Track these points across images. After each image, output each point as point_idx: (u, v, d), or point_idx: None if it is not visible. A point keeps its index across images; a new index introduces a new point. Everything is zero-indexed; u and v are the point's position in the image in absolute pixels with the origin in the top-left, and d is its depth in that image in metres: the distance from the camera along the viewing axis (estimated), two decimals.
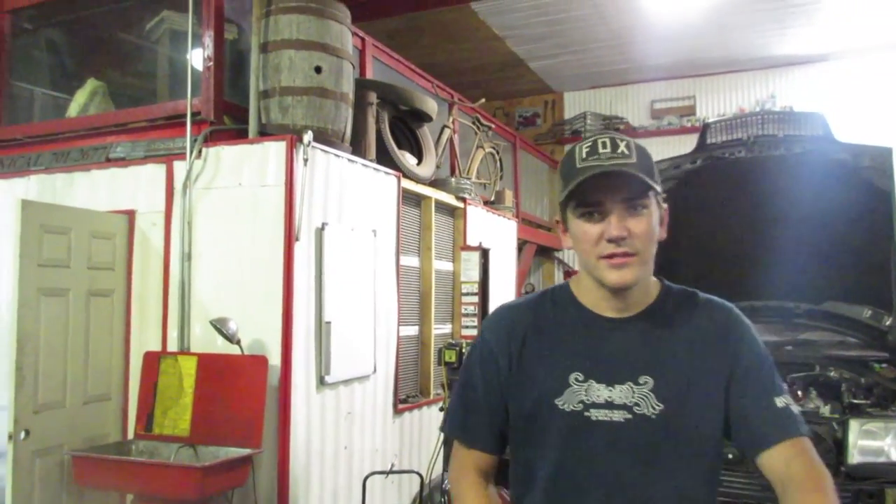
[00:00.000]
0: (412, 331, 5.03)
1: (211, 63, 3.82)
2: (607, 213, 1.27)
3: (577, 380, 1.32)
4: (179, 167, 3.81)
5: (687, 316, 1.36)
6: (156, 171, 3.90)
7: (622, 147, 1.28)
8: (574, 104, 9.80)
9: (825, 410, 3.56)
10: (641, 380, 1.30)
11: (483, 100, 6.45)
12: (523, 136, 9.10)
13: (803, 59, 8.31)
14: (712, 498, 1.35)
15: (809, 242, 4.10)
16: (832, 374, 3.99)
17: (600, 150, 1.27)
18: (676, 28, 7.43)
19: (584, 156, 1.28)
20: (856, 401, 3.67)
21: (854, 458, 3.31)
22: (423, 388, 5.08)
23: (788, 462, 1.25)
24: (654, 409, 1.28)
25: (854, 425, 3.33)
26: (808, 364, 4.14)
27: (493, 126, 6.97)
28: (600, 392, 1.30)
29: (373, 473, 3.75)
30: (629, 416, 1.28)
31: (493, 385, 1.41)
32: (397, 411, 4.59)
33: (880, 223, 4.02)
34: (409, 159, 4.94)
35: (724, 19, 7.26)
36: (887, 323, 4.09)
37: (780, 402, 1.30)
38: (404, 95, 4.88)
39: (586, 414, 1.30)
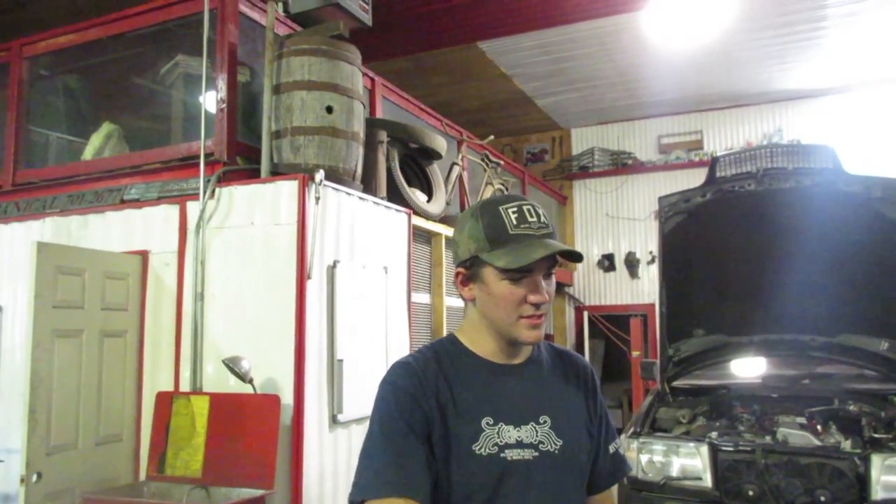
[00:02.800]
0: None
1: (224, 105, 3.88)
2: (533, 279, 1.38)
3: (488, 423, 1.38)
4: (192, 207, 3.85)
5: (559, 363, 1.54)
6: (169, 212, 3.93)
7: (542, 216, 1.41)
8: (581, 140, 9.87)
9: (846, 445, 3.51)
10: (542, 419, 1.42)
11: (492, 136, 6.51)
12: (531, 172, 9.15)
13: (809, 92, 8.36)
14: None
15: (822, 275, 4.09)
16: (851, 407, 3.95)
17: (529, 219, 1.38)
18: (682, 64, 7.51)
19: (514, 222, 1.38)
20: (877, 435, 3.62)
21: (878, 493, 3.25)
22: None
23: (608, 500, 1.59)
24: (555, 444, 1.42)
25: (877, 460, 3.28)
26: (827, 398, 4.10)
27: (501, 163, 7.02)
28: (510, 433, 1.39)
29: None
30: (536, 453, 1.39)
31: (422, 430, 1.35)
32: None
33: (893, 254, 4.01)
34: (419, 196, 4.98)
35: (728, 55, 7.33)
36: None
37: (613, 447, 1.58)
38: (414, 133, 4.93)
39: (502, 455, 1.37)
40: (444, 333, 5.13)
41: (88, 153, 4.44)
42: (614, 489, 1.62)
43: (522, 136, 10.19)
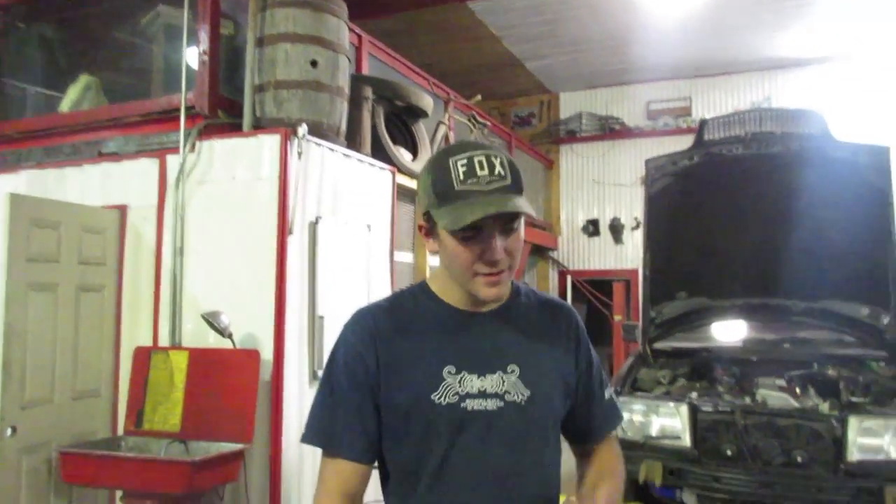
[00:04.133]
0: None
1: (206, 57, 3.79)
2: (485, 236, 1.28)
3: (449, 372, 1.33)
4: (173, 161, 3.77)
5: (537, 311, 1.45)
6: (148, 166, 3.85)
7: (498, 167, 1.28)
8: (570, 105, 9.78)
9: (824, 408, 3.54)
10: (509, 368, 1.36)
11: (479, 97, 6.42)
12: (519, 135, 9.07)
13: (799, 61, 8.30)
14: (559, 475, 1.47)
15: (807, 240, 4.09)
16: (830, 371, 3.98)
17: (478, 172, 1.26)
18: (673, 29, 7.41)
19: (461, 176, 1.26)
20: (854, 398, 3.66)
21: (853, 455, 3.29)
22: None
23: (609, 448, 1.53)
24: (522, 395, 1.35)
25: (854, 423, 3.31)
26: (806, 362, 4.13)
27: (488, 124, 6.94)
28: (473, 382, 1.33)
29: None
30: (501, 404, 1.34)
31: (363, 387, 1.34)
32: None
33: (878, 221, 4.01)
34: (404, 155, 4.91)
35: (721, 20, 7.24)
36: (885, 321, 4.08)
37: (608, 393, 1.52)
38: (400, 91, 4.85)
39: (462, 405, 1.32)
40: None
41: (66, 105, 4.34)
42: (615, 441, 1.55)
43: (510, 99, 10.08)
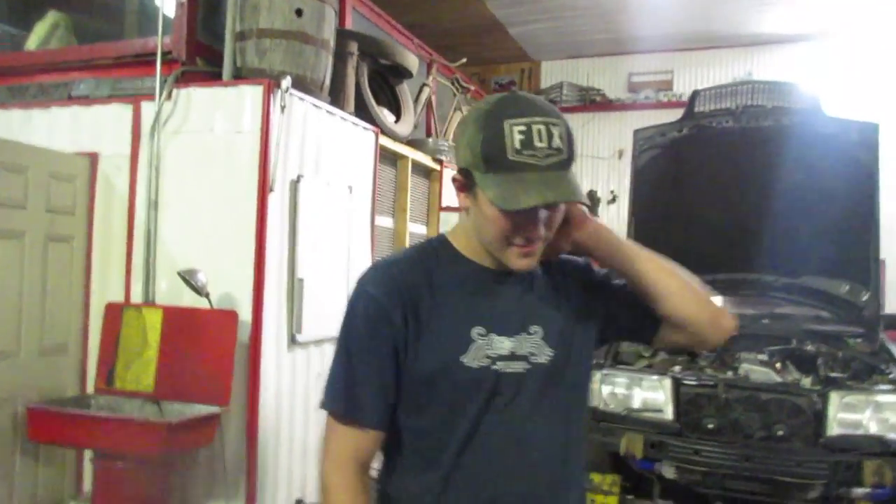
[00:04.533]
0: None
1: (185, 0, 3.58)
2: (529, 213, 1.20)
3: (479, 334, 1.26)
4: (147, 108, 3.57)
5: (547, 268, 1.37)
6: (122, 112, 3.65)
7: (556, 139, 1.17)
8: (551, 74, 9.65)
9: (806, 382, 3.56)
10: (532, 329, 1.30)
11: (464, 60, 6.27)
12: None
13: (782, 37, 8.28)
14: (584, 439, 1.42)
15: (792, 216, 4.08)
16: (809, 347, 4.00)
17: (536, 144, 1.16)
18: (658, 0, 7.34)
19: (516, 145, 1.15)
20: (833, 374, 3.68)
21: (833, 430, 3.31)
22: None
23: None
24: (547, 356, 1.30)
25: (834, 398, 3.33)
26: (785, 337, 4.15)
27: (472, 88, 6.81)
28: (503, 344, 1.27)
29: None
30: (528, 366, 1.28)
31: (385, 347, 1.25)
32: None
33: (863, 199, 4.01)
34: (387, 116, 4.77)
35: None
36: (864, 298, 4.10)
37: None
38: (386, 49, 4.69)
39: (493, 367, 1.26)
40: None
41: (32, 43, 4.09)
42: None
43: (491, 65, 9.90)
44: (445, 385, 1.25)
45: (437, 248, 1.35)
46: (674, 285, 1.34)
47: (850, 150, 4.00)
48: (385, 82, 5.00)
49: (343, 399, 1.28)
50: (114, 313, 3.44)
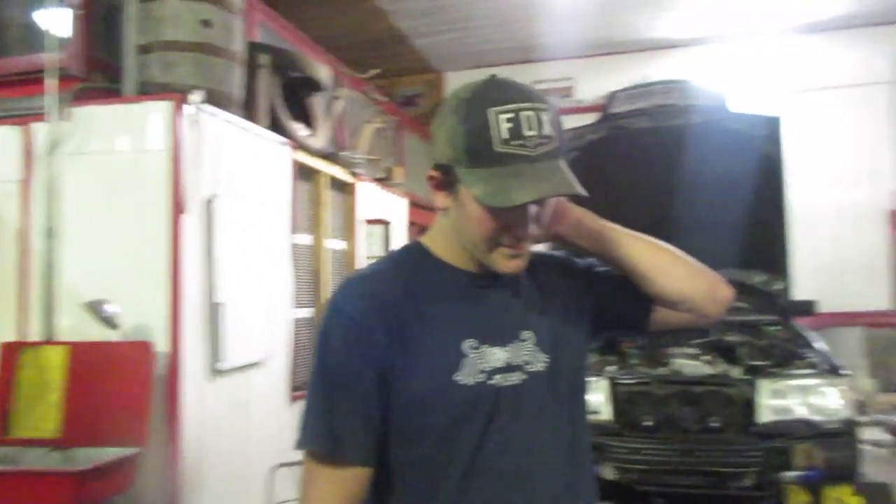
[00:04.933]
0: (306, 313, 4.71)
1: (81, 11, 3.32)
2: (519, 210, 1.10)
3: (471, 347, 1.14)
4: (40, 130, 3.29)
5: (532, 268, 1.24)
6: (9, 134, 3.35)
7: (547, 126, 1.07)
8: (456, 85, 9.61)
9: (735, 373, 3.65)
10: (524, 335, 1.20)
11: (378, 70, 6.18)
12: (406, 115, 8.89)
13: (676, 42, 8.61)
14: (590, 443, 1.31)
15: (708, 210, 4.19)
16: (729, 338, 4.11)
17: (525, 132, 1.05)
18: (559, 7, 7.48)
19: (503, 135, 1.05)
20: (755, 362, 3.79)
21: (764, 417, 3.40)
22: None
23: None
24: (543, 363, 1.19)
25: (763, 386, 3.43)
26: (704, 330, 4.25)
27: (381, 99, 6.72)
28: (497, 355, 1.15)
29: (282, 465, 3.44)
30: (525, 376, 1.17)
31: (368, 372, 1.11)
32: (293, 399, 4.29)
33: (771, 190, 4.19)
34: (301, 130, 4.61)
35: (606, 1, 7.38)
36: (778, 287, 4.27)
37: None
38: (297, 61, 4.53)
39: (490, 382, 1.14)
40: (328, 278, 4.86)
41: None
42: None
43: (396, 77, 9.86)
44: (440, 409, 1.12)
45: (413, 256, 1.23)
46: (664, 262, 1.26)
47: (756, 143, 4.18)
48: (297, 96, 4.84)
49: (323, 435, 1.12)
50: (9, 354, 3.13)
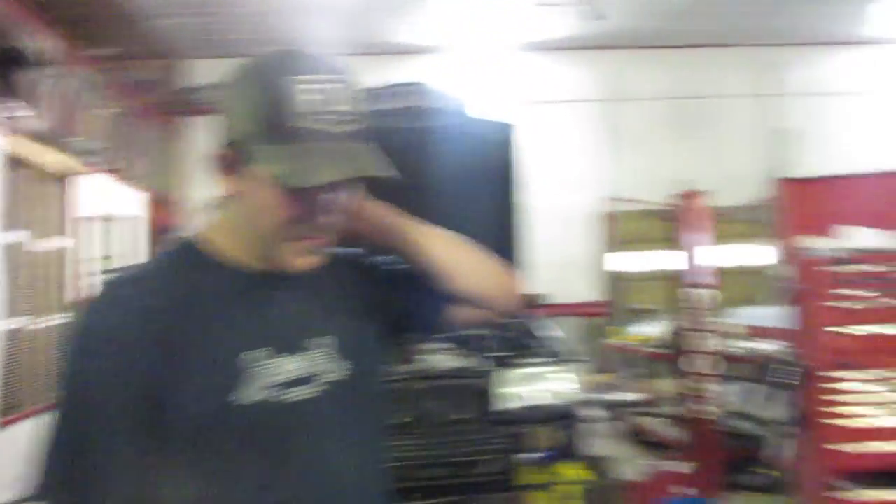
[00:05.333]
0: (16, 324, 4.12)
1: None
2: (322, 191, 0.99)
3: (254, 360, 1.00)
4: None
5: (330, 267, 1.14)
6: None
7: (351, 102, 0.99)
8: (194, 73, 9.11)
9: (473, 364, 3.89)
10: (321, 341, 1.08)
11: (119, 49, 5.58)
12: (142, 100, 8.16)
13: (420, 48, 8.90)
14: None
15: (457, 211, 4.36)
16: (478, 331, 4.34)
17: (331, 107, 0.96)
18: (312, 4, 7.40)
19: (308, 108, 0.94)
20: (500, 354, 4.06)
21: (498, 405, 3.65)
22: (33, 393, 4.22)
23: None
24: (345, 371, 1.09)
25: (496, 375, 3.68)
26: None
27: (114, 82, 6.10)
28: (288, 366, 1.03)
29: None
30: (323, 386, 1.06)
31: (127, 396, 0.94)
32: (4, 423, 3.73)
33: (507, 193, 4.53)
34: (13, 111, 4.01)
35: (355, 3, 7.45)
36: None
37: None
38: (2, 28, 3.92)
39: (282, 398, 1.01)
40: (52, 283, 4.27)
41: None
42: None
43: (135, 60, 8.99)
44: (216, 436, 0.96)
45: (187, 254, 1.06)
46: (460, 259, 1.23)
47: (492, 148, 4.49)
48: (3, 71, 4.19)
49: (77, 486, 0.92)
50: None
